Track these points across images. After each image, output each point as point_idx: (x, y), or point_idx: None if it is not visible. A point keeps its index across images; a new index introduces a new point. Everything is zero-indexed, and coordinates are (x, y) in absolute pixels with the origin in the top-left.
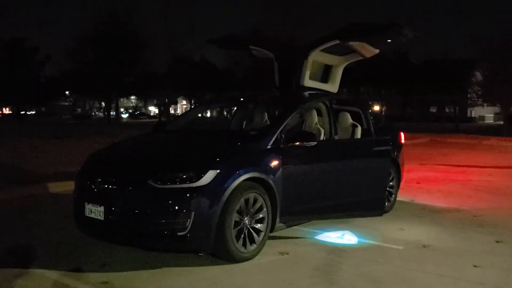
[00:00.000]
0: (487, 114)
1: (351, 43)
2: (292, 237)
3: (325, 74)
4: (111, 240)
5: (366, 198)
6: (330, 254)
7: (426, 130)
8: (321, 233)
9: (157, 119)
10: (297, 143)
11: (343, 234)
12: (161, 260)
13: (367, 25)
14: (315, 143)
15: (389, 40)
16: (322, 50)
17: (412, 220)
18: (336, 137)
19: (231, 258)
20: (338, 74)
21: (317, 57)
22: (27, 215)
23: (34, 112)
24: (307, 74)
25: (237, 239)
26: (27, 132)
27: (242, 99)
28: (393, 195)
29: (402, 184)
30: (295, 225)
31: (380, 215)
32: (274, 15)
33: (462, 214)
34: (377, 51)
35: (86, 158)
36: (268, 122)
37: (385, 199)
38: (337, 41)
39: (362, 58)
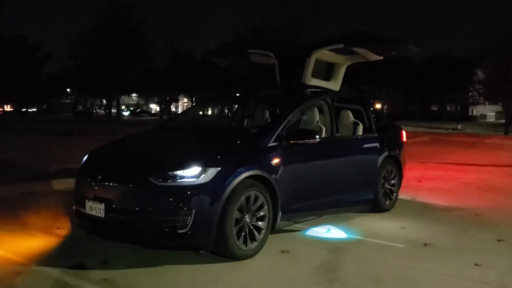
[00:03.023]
0: (489, 112)
1: (355, 48)
2: (293, 235)
3: (328, 72)
4: (112, 238)
5: (360, 192)
6: (331, 252)
7: (427, 128)
8: (322, 231)
9: (158, 117)
10: (300, 141)
11: (344, 232)
12: (161, 257)
13: (373, 36)
14: (317, 140)
15: (393, 53)
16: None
17: (413, 218)
18: (338, 135)
19: (231, 255)
20: (341, 72)
21: (321, 55)
22: (27, 213)
23: (35, 110)
24: (310, 72)
25: (238, 236)
26: (28, 129)
27: (243, 97)
28: (395, 194)
29: (403, 182)
30: (296, 223)
31: (373, 210)
32: (275, 13)
33: (463, 213)
34: (380, 57)
35: (87, 155)
36: (269, 120)
37: (373, 194)
38: (342, 45)
39: (366, 60)
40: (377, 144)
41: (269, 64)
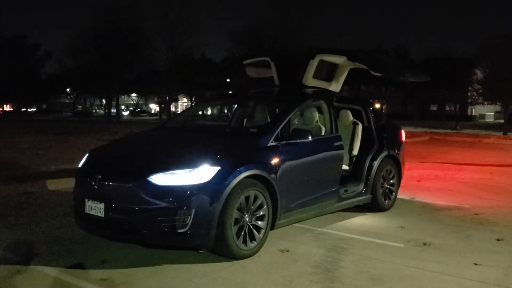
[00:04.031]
0: (488, 112)
1: (356, 63)
2: (292, 235)
3: (330, 72)
4: (111, 237)
5: (332, 188)
6: (330, 251)
7: (426, 128)
8: (321, 231)
9: (157, 117)
10: (298, 140)
11: (343, 232)
12: (161, 256)
13: (374, 59)
14: (311, 139)
15: (392, 78)
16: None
17: (412, 218)
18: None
19: (231, 255)
20: (343, 74)
21: (324, 56)
22: (27, 212)
23: (34, 109)
24: (311, 73)
25: (238, 236)
26: (27, 129)
27: (243, 97)
28: (394, 193)
29: (402, 182)
30: (296, 222)
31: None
32: (275, 13)
33: (462, 212)
34: (379, 74)
35: (86, 155)
36: (269, 120)
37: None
38: (345, 58)
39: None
40: (341, 142)
41: (267, 76)
